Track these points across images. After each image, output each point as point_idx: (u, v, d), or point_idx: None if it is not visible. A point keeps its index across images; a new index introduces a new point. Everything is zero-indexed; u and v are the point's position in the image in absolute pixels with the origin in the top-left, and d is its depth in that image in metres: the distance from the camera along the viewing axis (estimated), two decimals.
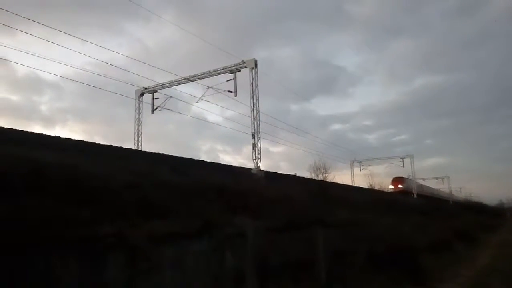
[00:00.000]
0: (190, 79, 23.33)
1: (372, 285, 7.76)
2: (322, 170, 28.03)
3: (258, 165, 20.63)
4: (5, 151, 5.07)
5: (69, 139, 11.53)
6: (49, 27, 15.22)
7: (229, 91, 21.73)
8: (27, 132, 10.52)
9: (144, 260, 4.61)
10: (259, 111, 21.30)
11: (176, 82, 23.81)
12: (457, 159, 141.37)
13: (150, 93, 24.82)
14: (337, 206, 11.50)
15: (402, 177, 44.77)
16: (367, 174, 42.76)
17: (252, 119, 21.26)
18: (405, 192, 41.15)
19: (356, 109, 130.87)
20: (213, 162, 16.83)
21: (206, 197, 6.92)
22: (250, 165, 20.94)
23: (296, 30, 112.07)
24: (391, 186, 42.38)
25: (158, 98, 24.48)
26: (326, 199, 11.96)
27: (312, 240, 7.74)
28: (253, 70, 21.27)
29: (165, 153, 13.87)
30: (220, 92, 22.37)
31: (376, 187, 35.18)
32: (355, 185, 38.78)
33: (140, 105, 25.31)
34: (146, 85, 24.62)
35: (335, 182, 26.12)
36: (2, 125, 9.73)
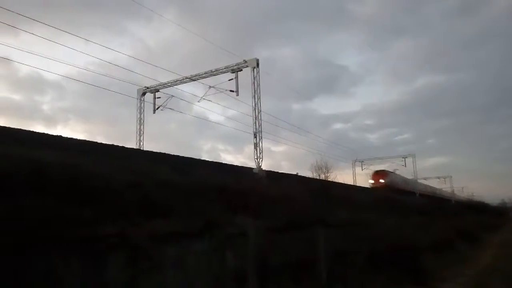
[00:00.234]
0: (192, 79, 23.35)
1: (374, 285, 7.76)
2: (324, 170, 28.02)
3: (260, 164, 20.64)
4: (7, 150, 5.10)
5: (71, 139, 11.57)
6: (52, 27, 15.26)
7: (231, 91, 21.74)
8: (29, 131, 10.57)
9: (145, 259, 4.62)
10: (260, 111, 21.31)
11: (178, 82, 23.83)
12: (459, 158, 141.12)
13: (152, 93, 24.85)
14: (339, 205, 11.49)
15: (385, 171, 40.45)
16: (368, 173, 42.62)
17: (254, 118, 21.27)
18: (388, 188, 35.71)
19: (358, 109, 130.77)
20: (215, 162, 16.87)
21: (207, 196, 6.93)
22: (251, 164, 20.95)
23: (298, 30, 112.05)
24: (371, 181, 38.24)
25: (160, 97, 24.51)
26: (327, 198, 11.96)
27: (313, 240, 7.74)
28: (255, 69, 21.26)
29: (166, 153, 13.91)
30: (222, 92, 22.39)
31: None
32: (357, 184, 38.79)
33: (142, 104, 25.36)
34: (148, 85, 24.65)
35: (337, 181, 26.16)
36: (4, 125, 9.77)
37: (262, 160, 20.65)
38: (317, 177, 24.58)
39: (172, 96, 23.80)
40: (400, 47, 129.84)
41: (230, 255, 5.98)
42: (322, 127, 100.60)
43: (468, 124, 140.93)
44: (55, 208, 4.07)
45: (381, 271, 8.28)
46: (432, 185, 61.17)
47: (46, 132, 11.45)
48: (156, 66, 27.92)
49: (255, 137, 21.24)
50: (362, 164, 47.60)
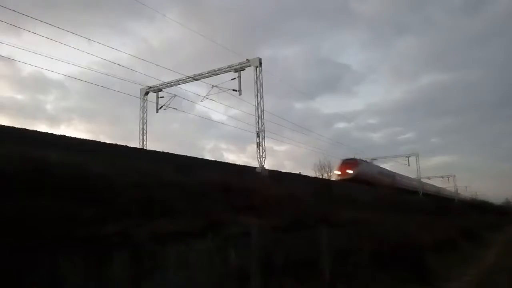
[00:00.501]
0: (194, 78, 23.36)
1: (378, 284, 7.75)
2: (327, 169, 27.94)
3: (263, 164, 20.63)
4: (12, 150, 5.12)
5: (75, 138, 11.61)
6: (55, 26, 15.30)
7: (234, 90, 21.74)
8: (32, 131, 10.61)
9: (149, 258, 4.64)
10: (263, 110, 21.27)
11: (180, 81, 23.84)
12: (463, 157, 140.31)
13: (155, 92, 24.87)
14: (342, 205, 11.48)
15: (355, 159, 33.83)
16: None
17: (257, 117, 21.25)
18: (359, 181, 29.72)
19: (361, 108, 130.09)
20: (218, 161, 16.87)
21: (210, 196, 6.95)
22: (254, 163, 20.95)
23: (301, 29, 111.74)
24: (338, 172, 31.45)
25: (163, 97, 24.52)
26: (330, 198, 11.95)
27: (316, 239, 7.74)
28: (258, 68, 21.24)
29: (170, 152, 13.93)
30: (224, 91, 22.39)
31: None
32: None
33: (145, 104, 25.37)
34: (151, 84, 24.68)
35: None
36: (7, 124, 9.82)
37: (265, 160, 20.64)
38: (320, 177, 24.56)
39: (175, 95, 23.82)
40: (403, 45, 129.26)
41: (234, 254, 5.98)
42: (325, 126, 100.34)
43: (472, 123, 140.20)
44: (59, 208, 4.09)
45: (385, 270, 8.27)
46: (428, 182, 58.24)
47: (49, 131, 11.51)
48: (159, 65, 27.90)
49: (258, 136, 21.22)
50: None
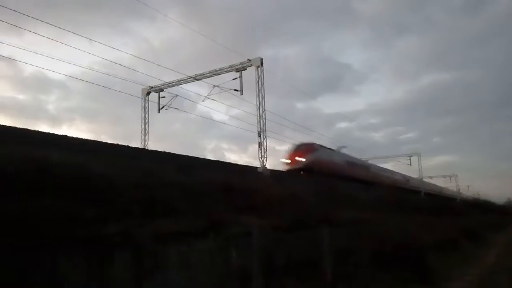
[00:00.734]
0: (196, 78, 23.38)
1: (379, 285, 7.74)
2: None
3: (264, 163, 20.64)
4: (14, 150, 5.14)
5: (77, 138, 11.64)
6: (56, 26, 15.34)
7: (235, 90, 21.75)
8: (34, 131, 10.64)
9: (150, 258, 4.65)
10: (265, 110, 21.29)
11: (182, 81, 23.87)
12: (465, 157, 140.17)
13: (157, 92, 24.92)
14: (343, 204, 11.48)
15: (311, 144, 26.69)
16: None
17: (258, 117, 21.26)
18: (315, 172, 22.47)
19: (362, 107, 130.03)
20: (219, 161, 16.89)
21: (212, 196, 6.96)
22: (256, 163, 20.96)
23: (302, 28, 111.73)
24: (287, 161, 25.37)
25: (164, 97, 24.56)
26: (332, 197, 11.95)
27: (318, 239, 7.74)
28: (259, 68, 21.26)
29: (171, 152, 13.95)
30: (226, 91, 22.41)
31: None
32: None
33: (147, 104, 25.42)
34: (153, 84, 24.73)
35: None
36: (9, 125, 9.85)
37: (266, 159, 20.66)
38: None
39: (177, 95, 23.86)
40: (404, 45, 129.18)
41: (235, 254, 5.99)
42: (326, 126, 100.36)
43: (474, 122, 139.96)
44: (61, 208, 4.11)
45: (386, 270, 8.26)
46: (431, 181, 55.79)
47: (51, 131, 11.54)
48: (160, 65, 28.00)
49: (260, 136, 21.24)
50: None
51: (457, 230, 18.17)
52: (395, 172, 43.17)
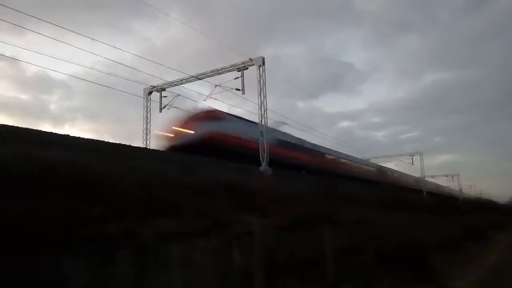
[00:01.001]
0: (198, 77, 23.39)
1: (382, 284, 7.73)
2: None
3: (266, 162, 20.62)
4: (16, 150, 5.15)
5: (79, 138, 11.67)
6: (58, 26, 15.37)
7: (237, 89, 21.75)
8: (37, 131, 10.67)
9: (153, 258, 4.65)
10: (266, 109, 21.29)
11: (184, 81, 23.89)
12: (467, 156, 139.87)
13: (158, 92, 24.95)
14: (346, 204, 11.47)
15: (211, 111, 21.02)
16: None
17: (260, 116, 21.26)
18: (216, 149, 17.23)
19: (364, 106, 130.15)
20: (221, 160, 16.87)
21: (214, 195, 6.95)
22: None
23: (304, 27, 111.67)
24: (169, 134, 19.59)
25: (166, 96, 24.59)
26: (334, 196, 11.94)
27: (320, 238, 7.73)
28: (261, 68, 21.25)
29: (173, 151, 13.96)
30: (227, 90, 22.41)
31: None
32: None
33: (148, 103, 25.45)
34: (154, 84, 24.76)
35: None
36: (12, 124, 9.88)
37: (267, 158, 20.64)
38: None
39: (178, 95, 23.87)
40: (406, 44, 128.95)
41: (237, 254, 5.99)
42: (328, 125, 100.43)
43: (476, 121, 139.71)
44: (63, 207, 4.11)
45: (389, 270, 8.24)
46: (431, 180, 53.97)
47: (53, 131, 11.57)
48: (162, 65, 28.03)
49: (261, 135, 21.23)
50: None
51: (460, 229, 18.12)
52: (370, 162, 38.37)
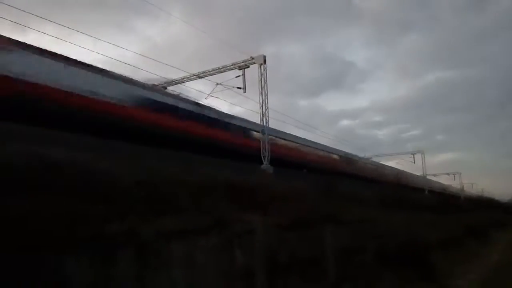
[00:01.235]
0: (199, 76, 23.40)
1: (383, 284, 7.72)
2: None
3: (267, 161, 20.63)
4: (18, 148, 5.15)
5: (81, 136, 11.66)
6: (61, 25, 15.35)
7: (238, 88, 21.76)
8: (39, 129, 10.67)
9: (154, 256, 4.66)
10: (267, 107, 21.29)
11: (185, 79, 23.90)
12: (469, 154, 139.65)
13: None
14: (347, 203, 11.45)
15: None
16: None
17: (261, 115, 21.27)
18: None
19: (366, 105, 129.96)
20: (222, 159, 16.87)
21: (215, 194, 6.95)
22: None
23: (305, 26, 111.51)
24: None
25: None
26: (335, 195, 11.92)
27: (321, 237, 7.73)
28: (262, 66, 21.25)
29: (174, 150, 13.96)
30: (229, 89, 22.41)
31: None
32: None
33: None
34: (156, 82, 24.76)
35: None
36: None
37: (269, 157, 20.64)
38: None
39: (180, 93, 23.89)
40: (408, 42, 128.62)
41: (238, 252, 5.99)
42: (329, 124, 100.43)
43: (478, 120, 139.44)
44: (65, 206, 4.11)
45: (390, 269, 8.24)
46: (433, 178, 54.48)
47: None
48: (164, 63, 28.03)
49: (263, 134, 21.23)
50: None
51: (461, 228, 18.11)
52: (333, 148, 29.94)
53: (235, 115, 22.96)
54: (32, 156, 4.90)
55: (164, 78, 24.48)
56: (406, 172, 46.07)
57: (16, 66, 11.67)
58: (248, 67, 21.60)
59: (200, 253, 5.37)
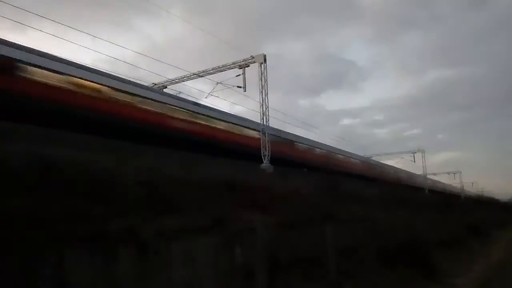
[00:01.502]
0: (199, 75, 23.39)
1: (384, 282, 7.71)
2: None
3: (267, 160, 20.62)
4: (18, 148, 5.14)
5: (81, 136, 11.66)
6: (59, 23, 15.35)
7: (238, 87, 21.75)
8: (39, 128, 10.67)
9: (155, 255, 4.64)
10: (268, 106, 21.28)
11: (185, 78, 23.89)
12: (469, 153, 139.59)
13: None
14: (348, 201, 11.44)
15: None
16: None
17: (261, 114, 21.25)
18: None
19: (367, 104, 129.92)
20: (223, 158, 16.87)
21: (216, 192, 6.94)
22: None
23: (306, 24, 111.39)
24: None
25: None
26: (336, 194, 11.91)
27: (322, 235, 7.71)
28: (262, 65, 21.23)
29: (175, 149, 13.95)
30: (229, 88, 22.40)
31: None
32: None
33: None
34: (156, 81, 24.76)
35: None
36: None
37: (269, 156, 20.64)
38: None
39: (180, 92, 23.88)
40: (409, 41, 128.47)
41: (239, 251, 5.98)
42: (330, 123, 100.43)
43: (479, 119, 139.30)
44: (66, 205, 4.10)
45: (392, 268, 8.23)
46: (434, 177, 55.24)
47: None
48: (163, 62, 28.02)
49: (263, 133, 21.22)
50: None
51: (462, 227, 18.10)
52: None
53: (235, 114, 22.72)
54: (35, 156, 4.89)
55: (164, 77, 24.50)
56: (407, 171, 46.24)
57: None
58: (249, 66, 21.59)
59: (200, 252, 5.36)
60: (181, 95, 22.70)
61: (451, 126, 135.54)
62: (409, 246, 9.10)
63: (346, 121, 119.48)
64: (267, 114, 21.25)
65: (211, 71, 22.88)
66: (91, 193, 4.63)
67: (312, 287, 6.58)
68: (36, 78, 13.34)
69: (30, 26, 14.74)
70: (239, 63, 21.73)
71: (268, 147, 20.68)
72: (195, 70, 23.56)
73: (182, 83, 24.26)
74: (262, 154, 20.58)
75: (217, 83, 22.69)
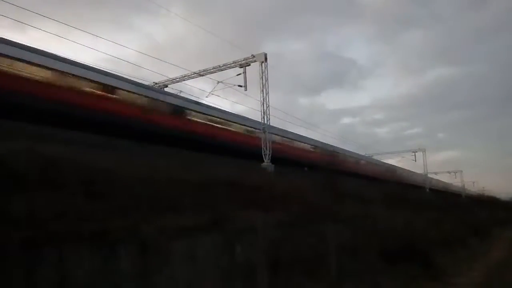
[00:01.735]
0: (200, 74, 23.38)
1: (386, 281, 7.71)
2: None
3: (268, 159, 20.62)
4: (19, 146, 5.14)
5: (83, 134, 11.68)
6: (61, 23, 15.32)
7: (239, 86, 21.73)
8: (40, 127, 10.68)
9: (156, 254, 4.65)
10: (269, 105, 21.26)
11: (186, 77, 23.88)
12: (470, 152, 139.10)
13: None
14: (349, 200, 11.44)
15: None
16: None
17: (262, 113, 21.24)
18: None
19: (367, 103, 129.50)
20: (224, 157, 16.88)
21: (216, 191, 6.94)
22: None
23: (306, 23, 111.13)
24: None
25: None
26: (337, 193, 11.90)
27: (323, 234, 7.72)
28: (263, 64, 21.20)
29: (176, 148, 13.96)
30: (230, 87, 22.39)
31: None
32: None
33: None
34: (157, 80, 24.76)
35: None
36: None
37: (270, 155, 20.63)
38: None
39: (181, 91, 23.87)
40: (410, 39, 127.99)
41: (240, 250, 5.99)
42: (330, 122, 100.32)
43: (480, 117, 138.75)
44: (67, 203, 4.10)
45: (393, 267, 8.23)
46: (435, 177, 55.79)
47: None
48: (164, 61, 28.01)
49: (264, 132, 21.22)
50: None
51: (463, 226, 18.09)
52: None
53: (236, 113, 22.75)
54: (36, 154, 4.90)
55: (165, 76, 24.50)
56: (408, 170, 46.16)
57: None
58: (249, 65, 21.56)
59: (201, 250, 5.36)
60: (182, 94, 22.73)
61: (452, 125, 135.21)
62: (410, 245, 9.10)
63: (346, 120, 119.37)
64: (268, 113, 21.25)
65: (212, 70, 22.87)
66: (92, 192, 4.63)
67: (313, 286, 6.57)
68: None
69: (31, 25, 14.67)
70: (239, 62, 21.70)
71: (269, 146, 20.68)
72: (196, 69, 23.57)
73: (183, 82, 24.26)
74: (263, 153, 20.57)
75: (218, 82, 22.70)
